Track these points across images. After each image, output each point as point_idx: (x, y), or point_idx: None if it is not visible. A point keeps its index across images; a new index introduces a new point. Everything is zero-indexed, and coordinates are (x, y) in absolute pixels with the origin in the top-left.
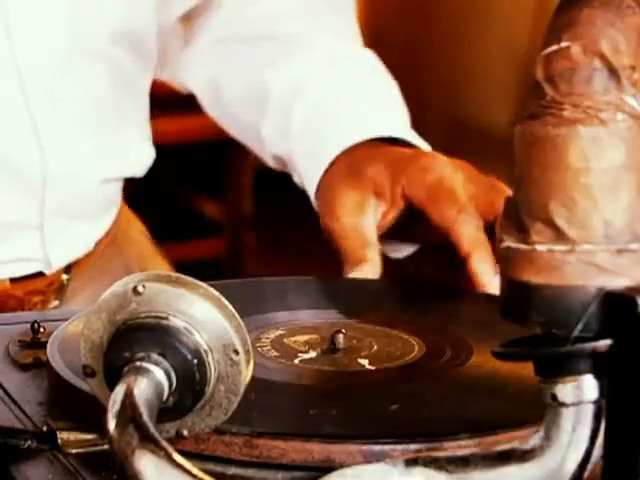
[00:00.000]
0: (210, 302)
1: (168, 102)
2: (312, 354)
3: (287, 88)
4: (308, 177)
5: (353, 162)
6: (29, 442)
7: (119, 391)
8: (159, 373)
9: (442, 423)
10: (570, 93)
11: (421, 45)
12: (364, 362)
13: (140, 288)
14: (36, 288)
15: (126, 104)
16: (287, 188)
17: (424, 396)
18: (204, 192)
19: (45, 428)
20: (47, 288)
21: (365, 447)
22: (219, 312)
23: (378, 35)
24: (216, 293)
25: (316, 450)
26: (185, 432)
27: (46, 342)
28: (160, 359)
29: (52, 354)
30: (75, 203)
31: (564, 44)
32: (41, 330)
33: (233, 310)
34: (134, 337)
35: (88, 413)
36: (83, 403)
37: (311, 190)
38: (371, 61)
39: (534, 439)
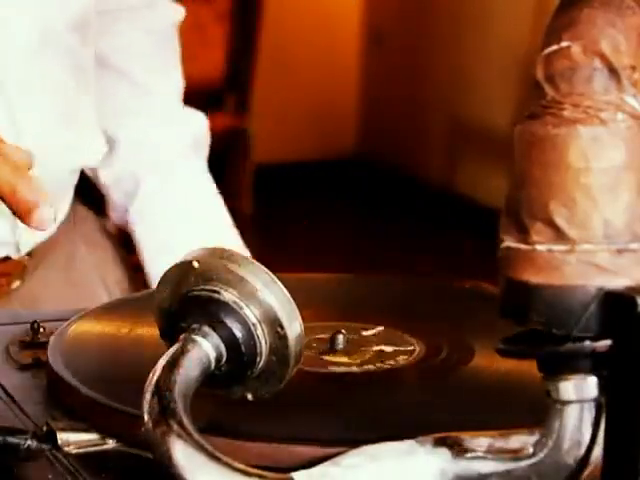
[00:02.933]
0: (259, 278)
1: None
2: (312, 354)
3: (134, 157)
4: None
5: None
6: (29, 442)
7: (156, 371)
8: (206, 345)
9: (442, 423)
10: (570, 93)
11: (421, 45)
12: (364, 362)
13: (195, 263)
14: (4, 271)
15: (84, 93)
16: (287, 188)
17: (424, 396)
18: None
19: (45, 428)
20: (13, 270)
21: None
22: (267, 288)
23: (378, 35)
24: (265, 270)
25: (315, 453)
26: (249, 396)
27: (46, 342)
28: (210, 331)
29: (52, 354)
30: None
31: (564, 44)
32: (41, 330)
33: (281, 286)
34: (189, 309)
35: (88, 413)
36: (83, 403)
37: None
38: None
39: (534, 437)
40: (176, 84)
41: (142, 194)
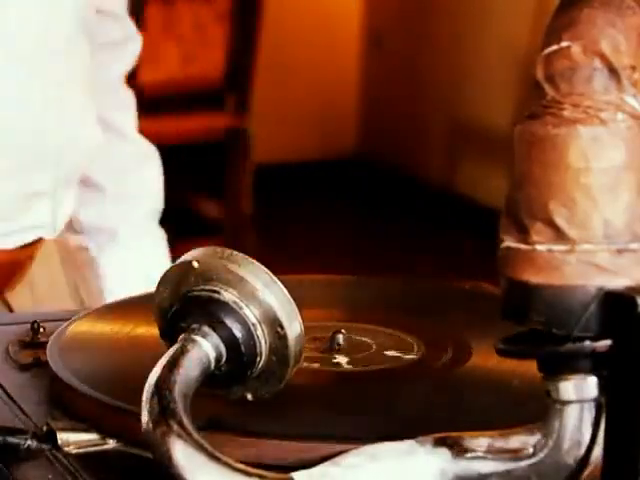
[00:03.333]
0: (259, 278)
1: (168, 102)
2: (312, 354)
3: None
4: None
5: None
6: (29, 442)
7: (156, 371)
8: (206, 345)
9: (442, 422)
10: (570, 93)
11: (421, 45)
12: (363, 362)
13: (195, 263)
14: (32, 254)
15: (86, 91)
16: (287, 188)
17: (424, 396)
18: (204, 192)
19: (45, 428)
20: (36, 253)
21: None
22: (267, 288)
23: (378, 35)
24: (265, 270)
25: (315, 453)
26: (249, 396)
27: (46, 342)
28: (210, 331)
29: (52, 355)
30: (78, 169)
31: (564, 44)
32: (41, 330)
33: (281, 286)
34: (189, 309)
35: (88, 413)
36: (83, 403)
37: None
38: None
39: (534, 437)
40: (135, 117)
41: (117, 245)
